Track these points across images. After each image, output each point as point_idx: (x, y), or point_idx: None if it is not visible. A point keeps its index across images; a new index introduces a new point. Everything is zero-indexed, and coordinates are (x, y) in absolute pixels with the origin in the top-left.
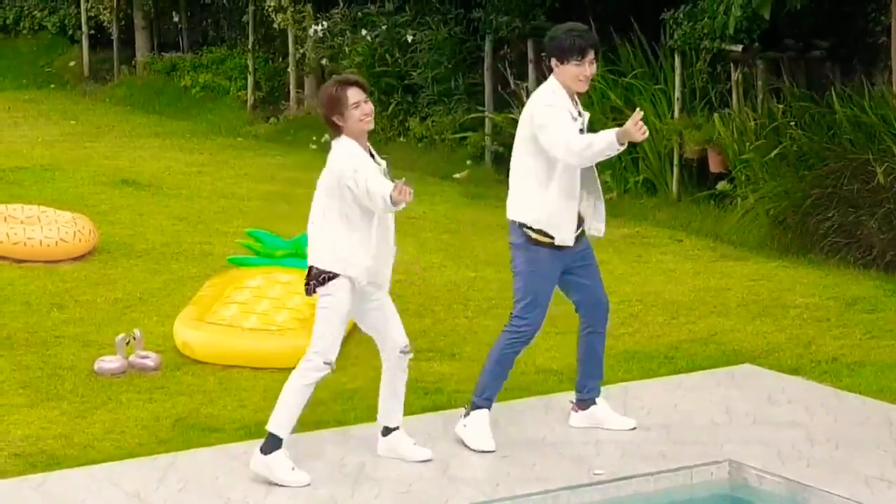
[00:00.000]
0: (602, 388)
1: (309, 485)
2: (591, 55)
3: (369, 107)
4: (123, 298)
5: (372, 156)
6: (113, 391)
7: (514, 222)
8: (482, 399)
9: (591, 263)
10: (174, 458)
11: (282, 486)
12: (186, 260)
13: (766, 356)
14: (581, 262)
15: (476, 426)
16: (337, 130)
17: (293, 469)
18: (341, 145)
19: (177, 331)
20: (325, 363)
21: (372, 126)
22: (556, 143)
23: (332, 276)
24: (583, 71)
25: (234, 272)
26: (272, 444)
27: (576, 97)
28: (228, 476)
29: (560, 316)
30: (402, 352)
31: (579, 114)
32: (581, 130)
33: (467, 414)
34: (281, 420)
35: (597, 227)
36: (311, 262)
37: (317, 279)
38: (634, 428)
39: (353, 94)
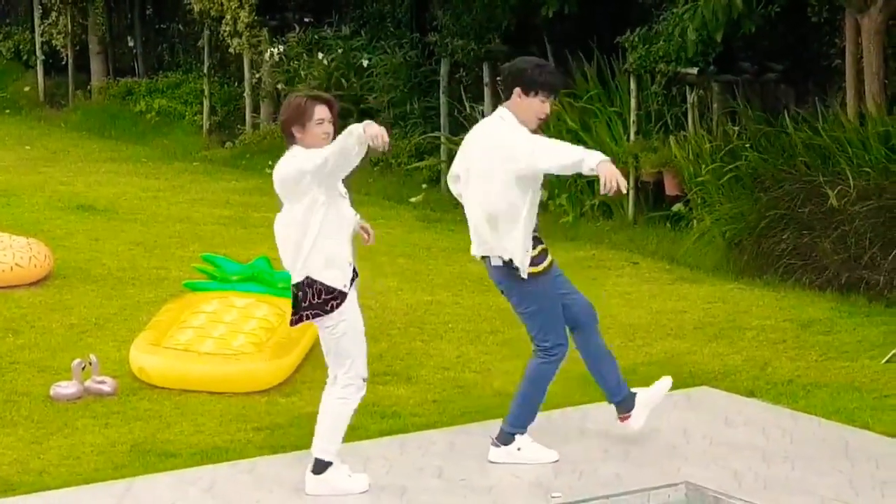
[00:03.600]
0: (561, 411)
1: (367, 490)
2: (554, 97)
3: (332, 128)
4: (79, 324)
5: None
6: (69, 417)
7: (506, 266)
8: (520, 428)
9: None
10: (130, 484)
11: (346, 494)
12: (142, 285)
13: (723, 378)
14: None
15: (528, 445)
16: (291, 141)
17: (350, 476)
18: (293, 151)
19: (133, 356)
20: (364, 380)
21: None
22: (536, 153)
23: (340, 300)
24: (544, 109)
25: (190, 297)
26: (324, 464)
27: None
28: (185, 502)
29: (516, 340)
30: (363, 378)
31: None
32: None
33: (506, 443)
34: (326, 446)
35: None
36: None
37: (320, 308)
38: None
39: (320, 111)
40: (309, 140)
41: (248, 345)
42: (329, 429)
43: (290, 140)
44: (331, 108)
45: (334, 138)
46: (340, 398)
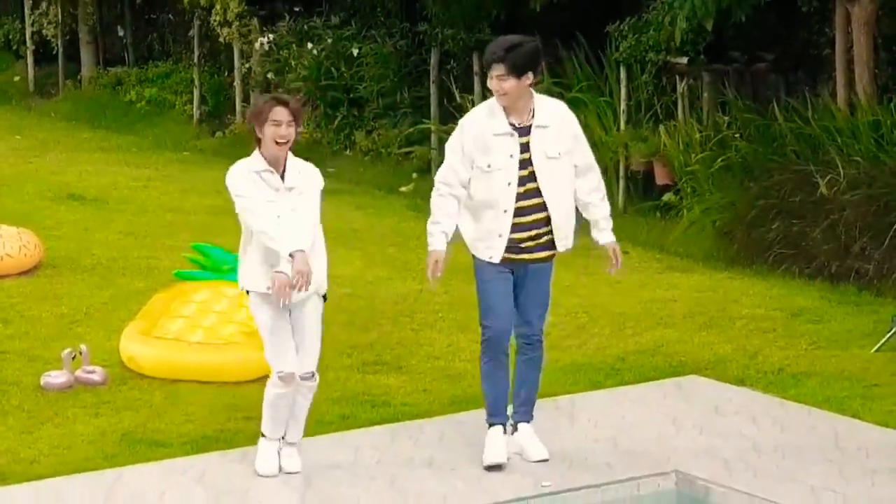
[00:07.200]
0: (551, 400)
1: (271, 476)
2: (489, 69)
3: (289, 132)
4: (69, 313)
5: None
6: (59, 406)
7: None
8: (487, 417)
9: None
10: (120, 474)
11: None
12: (133, 274)
13: (713, 367)
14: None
15: (487, 443)
16: (257, 143)
17: (268, 458)
18: (242, 162)
19: (123, 345)
20: (280, 378)
21: (284, 152)
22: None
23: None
24: (491, 84)
25: (181, 286)
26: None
27: None
28: (175, 491)
29: None
30: (301, 377)
31: None
32: None
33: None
34: (264, 420)
35: None
36: None
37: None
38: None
39: (277, 113)
40: (266, 142)
41: (239, 334)
42: (264, 409)
43: (256, 142)
44: (292, 112)
45: (295, 139)
46: (266, 386)
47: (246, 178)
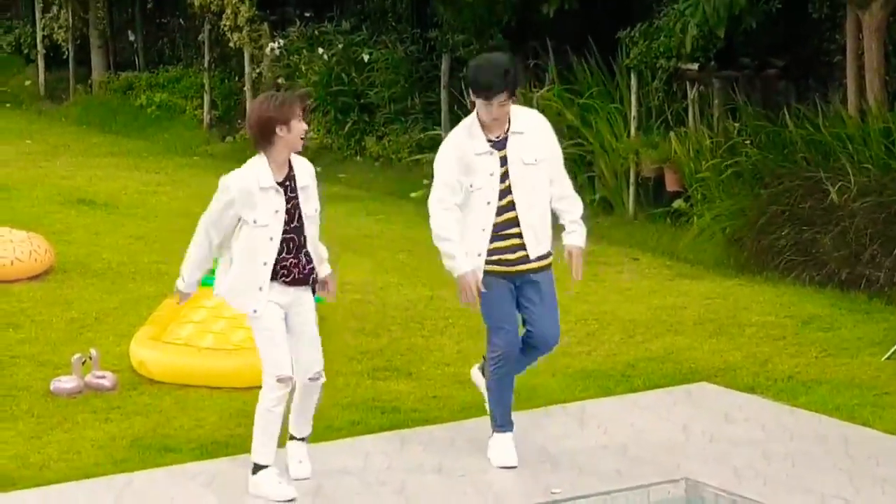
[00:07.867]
0: (560, 407)
1: (294, 499)
2: (485, 97)
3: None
4: (79, 318)
5: (289, 181)
6: (69, 411)
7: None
8: (496, 426)
9: None
10: (130, 479)
11: (270, 500)
12: (143, 279)
13: (723, 374)
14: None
15: (497, 446)
16: (267, 145)
17: (279, 483)
18: (247, 172)
19: (133, 350)
20: (279, 380)
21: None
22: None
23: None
24: (486, 110)
25: None
26: (257, 467)
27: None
28: (185, 496)
29: None
30: (310, 378)
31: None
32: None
33: (491, 435)
34: (256, 447)
35: None
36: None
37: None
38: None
39: (300, 109)
40: (291, 138)
41: (249, 339)
42: (255, 429)
43: (265, 142)
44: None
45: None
46: (260, 397)
47: (236, 199)
